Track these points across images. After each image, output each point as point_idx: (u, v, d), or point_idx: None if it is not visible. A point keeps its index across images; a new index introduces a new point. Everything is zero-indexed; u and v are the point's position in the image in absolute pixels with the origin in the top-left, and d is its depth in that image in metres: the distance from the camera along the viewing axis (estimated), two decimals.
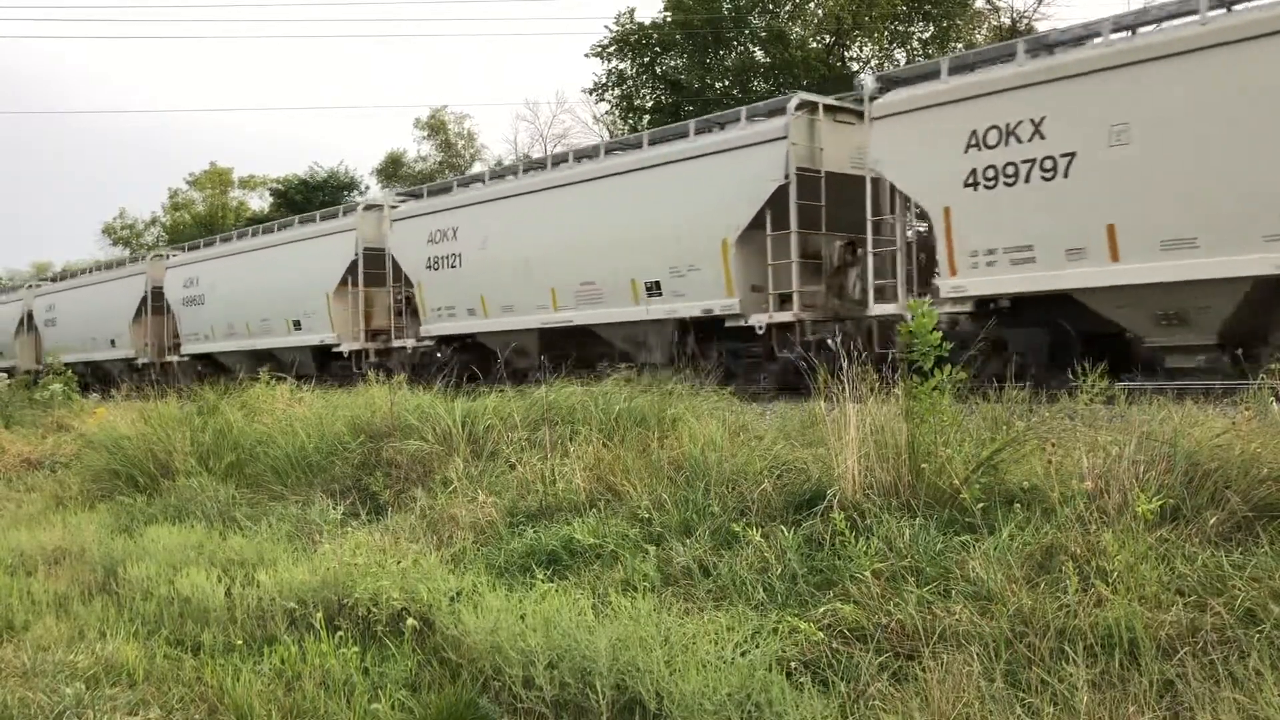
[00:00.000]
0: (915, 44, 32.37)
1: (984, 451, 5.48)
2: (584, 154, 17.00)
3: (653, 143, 15.46)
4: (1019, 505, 5.04)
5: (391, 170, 48.06)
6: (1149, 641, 3.78)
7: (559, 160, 17.32)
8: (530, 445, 7.88)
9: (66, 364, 30.00)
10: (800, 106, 13.36)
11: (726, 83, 32.10)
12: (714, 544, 5.48)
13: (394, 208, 20.48)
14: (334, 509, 7.70)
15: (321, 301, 21.19)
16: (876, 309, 12.47)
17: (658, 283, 14.72)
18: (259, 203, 54.59)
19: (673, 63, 32.87)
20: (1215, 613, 3.86)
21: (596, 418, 8.06)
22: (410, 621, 5.21)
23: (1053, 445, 5.44)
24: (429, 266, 18.65)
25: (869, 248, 12.56)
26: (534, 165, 17.99)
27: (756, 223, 13.49)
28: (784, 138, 13.18)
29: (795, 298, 13.31)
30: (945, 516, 5.13)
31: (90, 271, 32.98)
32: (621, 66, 33.69)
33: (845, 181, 13.23)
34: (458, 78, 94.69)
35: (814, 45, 32.68)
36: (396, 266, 19.80)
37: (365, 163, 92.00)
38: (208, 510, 8.39)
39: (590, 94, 36.09)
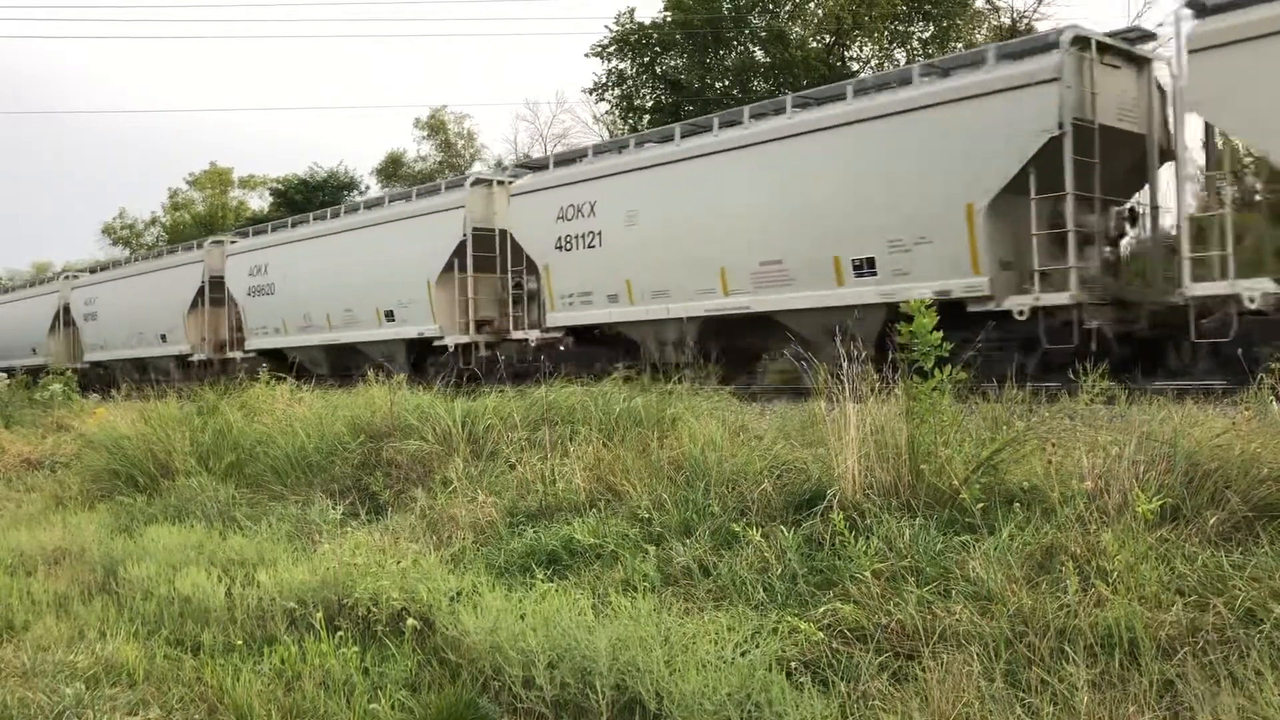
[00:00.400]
0: (915, 44, 32.37)
1: (984, 451, 5.48)
2: (763, 111, 14.23)
3: (859, 93, 12.82)
4: (1019, 505, 5.04)
5: (391, 170, 48.04)
6: (1149, 641, 3.78)
7: (730, 121, 14.54)
8: (530, 445, 7.88)
9: (109, 361, 28.86)
10: (1074, 42, 10.98)
11: (726, 83, 32.09)
12: (714, 544, 5.48)
13: (510, 181, 18.19)
14: (334, 509, 7.70)
15: (421, 289, 18.61)
16: (1198, 289, 9.86)
17: (870, 259, 12.23)
18: (259, 203, 54.61)
19: (673, 63, 32.84)
20: (1215, 613, 3.86)
21: (596, 418, 8.06)
22: (410, 621, 5.21)
23: (1053, 445, 5.44)
24: (559, 247, 16.11)
25: (1180, 212, 10.21)
26: (697, 128, 15.20)
27: (1014, 185, 11.10)
28: (1056, 79, 10.74)
29: (1072, 276, 10.79)
30: (945, 516, 5.13)
31: (137, 260, 29.97)
32: (621, 66, 33.67)
33: (1110, 136, 11.15)
34: (458, 78, 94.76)
35: (814, 45, 32.66)
36: (515, 248, 17.54)
37: (365, 163, 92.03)
38: (208, 510, 8.39)
39: (590, 94, 36.07)
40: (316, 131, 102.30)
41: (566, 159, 17.19)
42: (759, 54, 32.32)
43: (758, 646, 4.22)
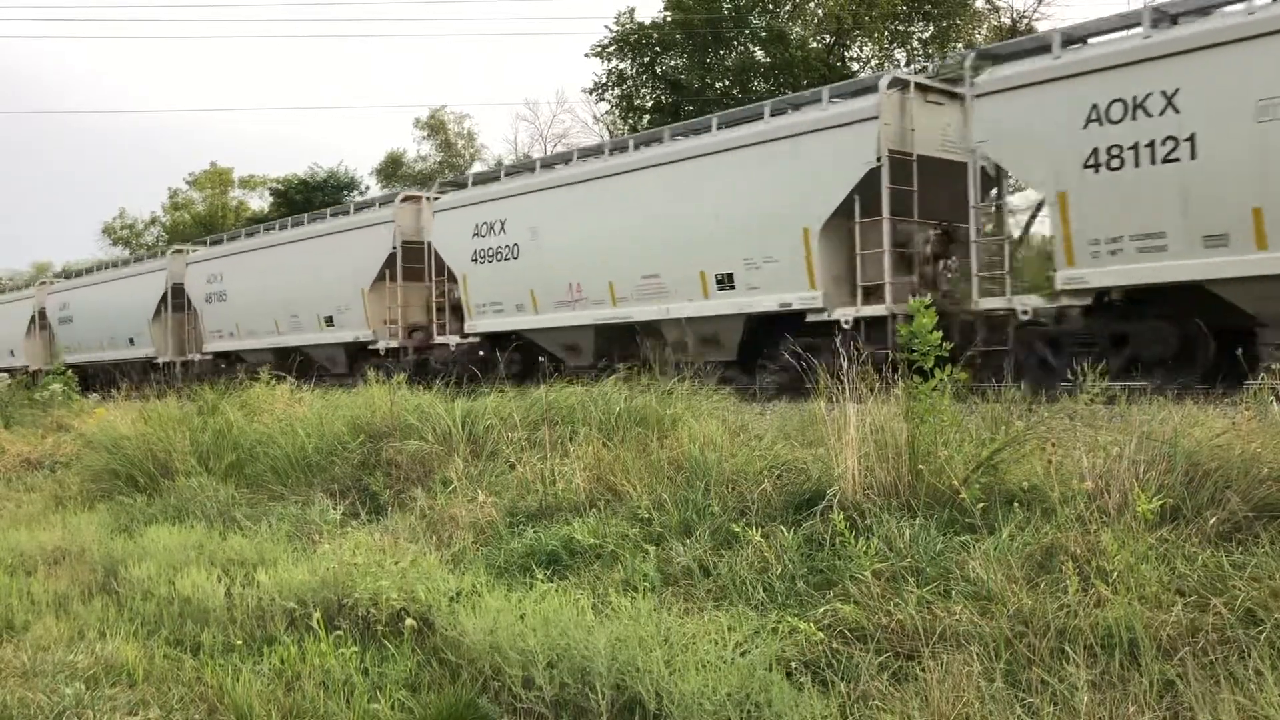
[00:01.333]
0: (915, 44, 32.40)
1: (984, 451, 5.48)
2: None
3: None
4: (1019, 505, 5.04)
5: (391, 170, 48.08)
6: (1149, 641, 3.78)
7: None
8: (530, 445, 7.88)
9: (242, 351, 23.47)
10: None
11: (726, 83, 32.11)
12: (714, 544, 5.48)
13: (955, 84, 12.31)
14: (334, 509, 7.71)
15: (790, 242, 12.92)
16: None
17: None
18: (259, 203, 54.65)
19: (673, 63, 32.87)
20: (1215, 613, 3.86)
21: (596, 418, 8.06)
22: (409, 621, 5.21)
23: (1053, 445, 5.44)
24: (1091, 165, 10.42)
25: None
26: None
27: None
28: None
29: None
30: (945, 516, 5.13)
31: (282, 227, 23.98)
32: (621, 66, 33.70)
33: None
34: (458, 78, 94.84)
35: (814, 45, 32.69)
36: (991, 173, 11.76)
37: (365, 163, 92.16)
38: (208, 510, 8.39)
39: (590, 94, 36.14)
40: (316, 131, 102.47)
41: (1073, 37, 10.93)
42: (759, 54, 32.34)
43: (757, 647, 4.22)
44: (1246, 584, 3.99)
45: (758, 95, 29.04)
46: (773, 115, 13.73)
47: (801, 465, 6.17)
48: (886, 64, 31.87)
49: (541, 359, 16.40)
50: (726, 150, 13.87)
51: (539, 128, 66.87)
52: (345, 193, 43.94)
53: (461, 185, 18.98)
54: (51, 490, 10.84)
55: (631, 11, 34.03)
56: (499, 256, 16.98)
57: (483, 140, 72.05)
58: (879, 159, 12.07)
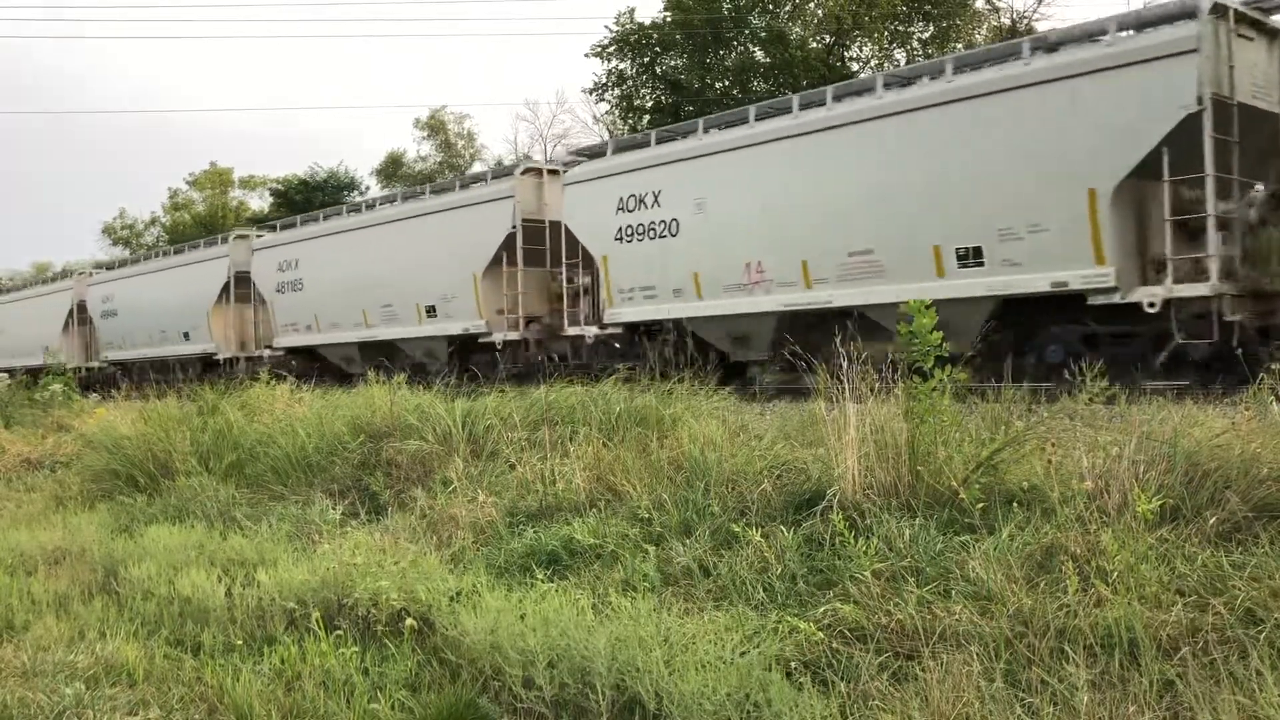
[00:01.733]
0: (915, 44, 32.40)
1: (984, 451, 5.48)
2: None
3: None
4: (1019, 505, 5.04)
5: (391, 170, 48.09)
6: (1149, 641, 3.78)
7: None
8: (530, 445, 7.88)
9: (322, 347, 21.30)
10: None
11: (726, 83, 32.12)
12: (714, 544, 5.48)
13: None
14: (334, 509, 7.71)
15: (1070, 206, 10.34)
16: None
17: None
18: (259, 203, 54.67)
19: (673, 63, 32.89)
20: (1215, 613, 3.86)
21: (596, 418, 8.06)
22: (409, 621, 5.21)
23: (1053, 445, 5.44)
24: None
25: None
26: None
27: None
28: None
29: None
30: (945, 516, 5.13)
31: (378, 205, 21.01)
32: (621, 66, 33.73)
33: None
34: (458, 78, 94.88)
35: (814, 45, 32.69)
36: None
37: (365, 163, 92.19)
38: (208, 510, 8.39)
39: (590, 94, 36.20)
40: (316, 131, 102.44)
41: None
42: (759, 54, 32.36)
43: (757, 647, 4.22)
44: (1246, 584, 3.99)
45: (758, 95, 29.04)
46: (1032, 54, 10.92)
47: (801, 465, 6.17)
48: (886, 64, 31.87)
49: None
50: (968, 99, 11.21)
51: (539, 128, 66.97)
52: (345, 193, 43.96)
53: (599, 154, 16.23)
54: (52, 490, 10.84)
55: (631, 12, 34.11)
56: (652, 234, 14.46)
57: (483, 140, 72.09)
58: (1200, 103, 9.54)
